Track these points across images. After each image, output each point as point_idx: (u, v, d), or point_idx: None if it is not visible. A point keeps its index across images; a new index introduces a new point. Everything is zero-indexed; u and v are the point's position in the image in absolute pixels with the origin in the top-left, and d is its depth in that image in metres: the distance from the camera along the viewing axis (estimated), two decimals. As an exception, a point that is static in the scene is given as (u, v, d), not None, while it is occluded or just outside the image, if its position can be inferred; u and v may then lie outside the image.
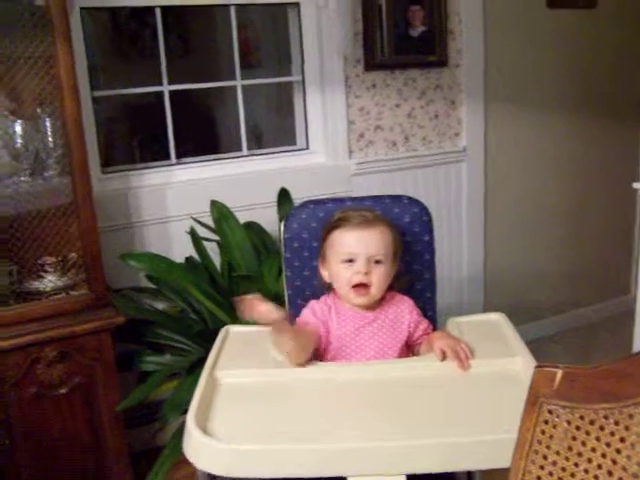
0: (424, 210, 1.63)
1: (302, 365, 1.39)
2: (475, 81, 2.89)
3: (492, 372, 1.34)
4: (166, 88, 2.48)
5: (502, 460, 1.07)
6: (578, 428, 0.76)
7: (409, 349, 1.56)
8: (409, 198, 1.64)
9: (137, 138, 3.32)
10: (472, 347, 1.42)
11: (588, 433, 0.75)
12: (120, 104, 3.28)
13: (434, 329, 1.61)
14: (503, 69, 2.94)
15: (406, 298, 1.58)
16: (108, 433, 2.08)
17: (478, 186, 2.99)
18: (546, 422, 0.78)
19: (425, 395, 1.29)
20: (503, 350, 1.42)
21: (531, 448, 0.79)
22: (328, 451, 1.12)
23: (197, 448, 1.15)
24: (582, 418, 0.75)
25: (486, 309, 3.08)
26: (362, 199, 1.66)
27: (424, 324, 1.57)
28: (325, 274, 1.55)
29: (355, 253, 1.47)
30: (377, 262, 1.48)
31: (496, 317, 1.59)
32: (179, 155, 2.57)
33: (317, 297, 1.58)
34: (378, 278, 1.48)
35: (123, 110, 3.35)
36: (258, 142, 3.25)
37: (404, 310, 1.56)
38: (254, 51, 3.49)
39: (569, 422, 0.76)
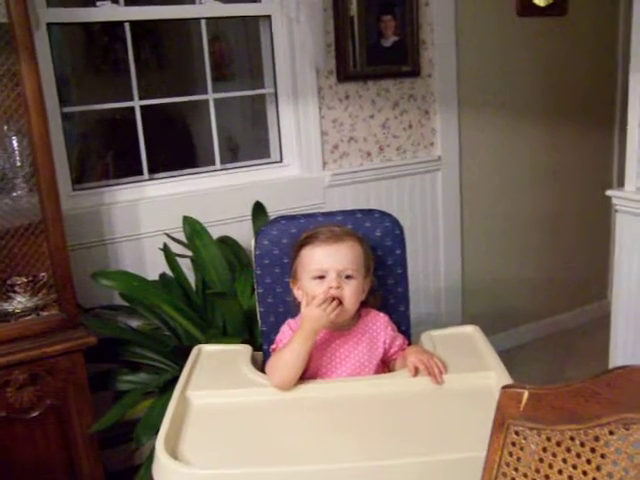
0: (395, 224, 1.62)
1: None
2: (448, 90, 2.90)
3: (465, 387, 1.33)
4: (137, 103, 2.45)
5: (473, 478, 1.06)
6: (545, 450, 0.75)
7: (385, 365, 1.55)
8: (380, 212, 1.63)
9: (110, 154, 3.28)
10: (445, 361, 1.41)
11: (555, 455, 0.74)
12: (93, 120, 3.25)
13: (409, 343, 1.60)
14: (476, 78, 2.95)
15: (381, 315, 1.57)
16: (82, 455, 2.04)
17: (454, 194, 3.00)
18: (513, 444, 0.77)
19: (399, 413, 1.28)
20: (477, 364, 1.41)
21: (499, 471, 0.78)
22: (300, 473, 1.10)
23: (165, 473, 1.13)
24: (549, 439, 0.74)
25: (464, 318, 3.08)
26: (333, 214, 1.64)
27: (399, 340, 1.56)
28: (298, 293, 1.54)
29: (325, 269, 1.46)
30: (348, 277, 1.47)
31: (470, 330, 1.58)
32: (153, 170, 2.54)
33: (290, 314, 1.57)
34: (350, 293, 1.46)
35: (96, 126, 3.32)
36: (233, 156, 3.23)
37: (379, 327, 1.55)
38: (227, 64, 3.47)
39: (536, 444, 0.74)
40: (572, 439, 0.72)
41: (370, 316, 1.55)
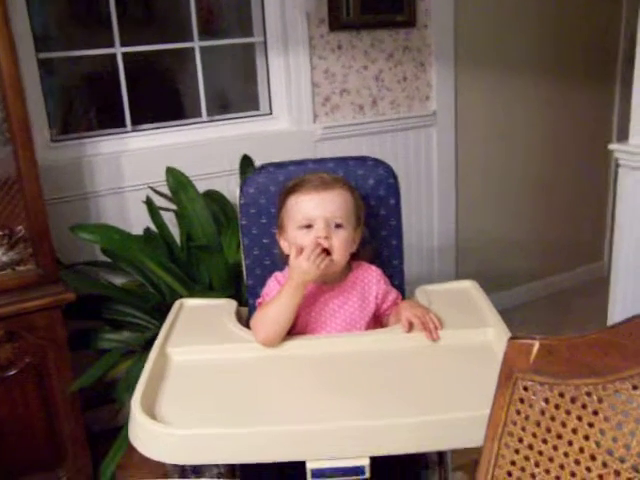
0: (389, 172, 1.53)
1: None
2: (445, 42, 2.78)
3: (463, 344, 1.26)
4: (119, 50, 2.33)
5: (474, 439, 0.99)
6: (557, 407, 0.67)
7: (377, 321, 1.47)
8: (374, 159, 1.54)
9: (93, 106, 3.16)
10: (442, 317, 1.33)
11: (568, 412, 0.66)
12: (77, 72, 3.11)
13: (403, 299, 1.51)
14: (474, 30, 2.83)
15: (373, 267, 1.48)
16: (62, 416, 1.97)
17: (449, 151, 2.90)
18: (521, 400, 0.69)
19: (392, 370, 1.20)
20: (474, 320, 1.33)
21: (505, 430, 0.70)
22: (285, 433, 1.03)
23: (143, 434, 1.05)
24: (562, 395, 0.67)
25: (457, 278, 3.01)
26: (325, 161, 1.55)
27: (393, 294, 1.48)
28: (284, 245, 1.44)
29: (312, 218, 1.36)
30: (338, 226, 1.37)
31: (467, 285, 1.50)
32: (136, 122, 2.43)
33: (277, 266, 1.48)
34: (340, 243, 1.37)
35: (80, 78, 3.18)
36: (222, 112, 3.11)
37: (371, 280, 1.46)
38: (215, 15, 3.32)
39: (547, 400, 0.67)
40: (589, 394, 0.65)
41: (361, 269, 1.46)
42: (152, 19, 3.38)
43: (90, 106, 3.21)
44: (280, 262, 1.47)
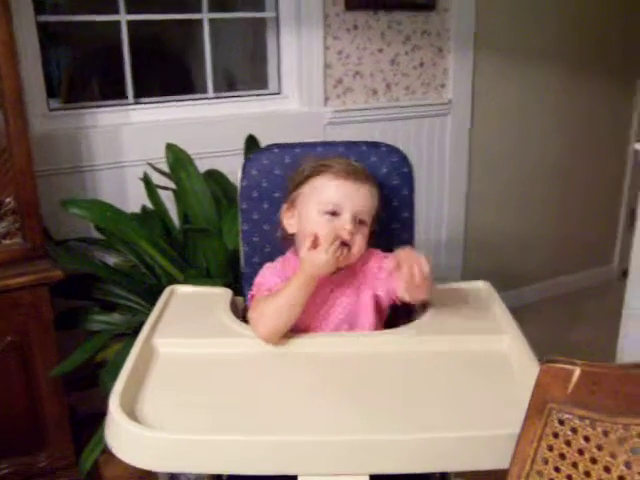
0: (404, 160, 1.42)
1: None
2: (465, 28, 2.66)
3: (475, 352, 1.14)
4: (123, 17, 2.21)
5: (486, 462, 0.89)
6: (600, 448, 0.57)
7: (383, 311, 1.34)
8: (388, 146, 1.43)
9: (97, 75, 3.05)
10: (451, 321, 1.22)
11: (614, 456, 0.56)
12: (82, 39, 3.00)
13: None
14: (495, 18, 2.70)
15: (371, 250, 1.34)
16: (46, 399, 1.88)
17: (463, 141, 2.79)
18: (555, 435, 0.59)
19: (398, 377, 1.09)
20: (488, 326, 1.22)
21: (533, 468, 0.60)
22: (278, 444, 0.92)
23: (120, 436, 0.95)
24: (606, 434, 0.56)
25: (464, 274, 2.91)
26: (335, 144, 1.44)
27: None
28: (290, 223, 1.32)
29: (341, 206, 1.25)
30: (361, 222, 1.27)
31: (481, 286, 1.39)
32: (140, 95, 2.32)
33: (278, 255, 1.37)
34: (360, 239, 1.27)
35: (84, 48, 3.06)
36: (230, 88, 3.00)
37: (372, 266, 1.32)
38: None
39: (587, 438, 0.56)
40: (640, 436, 0.54)
41: (362, 257, 1.32)
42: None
43: (94, 76, 3.10)
44: (281, 248, 1.36)
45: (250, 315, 1.25)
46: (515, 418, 0.91)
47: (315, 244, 1.22)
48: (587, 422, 0.57)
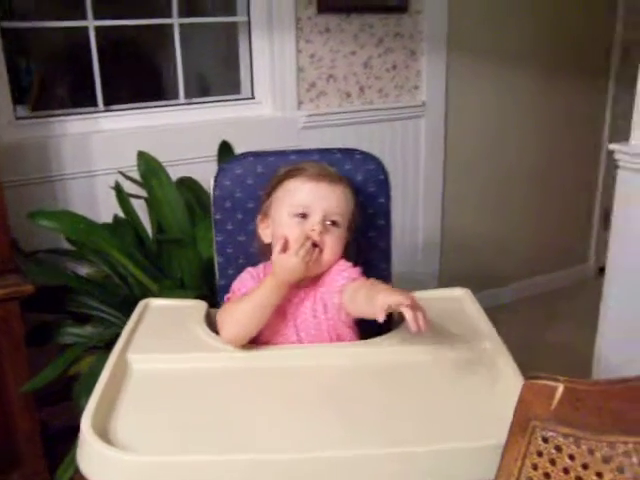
0: (380, 167, 1.40)
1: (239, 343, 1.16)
2: (437, 30, 2.66)
3: (454, 361, 1.13)
4: (91, 23, 2.17)
5: (469, 473, 0.87)
6: (585, 466, 0.55)
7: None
8: (363, 153, 1.41)
9: (66, 83, 2.99)
10: (432, 330, 1.20)
11: (600, 475, 0.54)
12: (49, 49, 2.94)
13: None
14: (467, 19, 2.70)
15: (338, 263, 1.27)
16: (17, 414, 1.82)
17: (437, 144, 2.78)
18: (539, 454, 0.58)
19: (377, 390, 1.07)
20: (468, 332, 1.21)
21: (518, 488, 0.58)
22: (256, 463, 0.90)
23: (92, 459, 0.92)
24: (591, 453, 0.55)
25: (441, 277, 2.90)
26: (309, 152, 1.42)
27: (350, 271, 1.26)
28: (266, 233, 1.30)
29: (310, 207, 1.23)
30: (333, 223, 1.24)
31: (460, 293, 1.38)
32: (110, 102, 2.28)
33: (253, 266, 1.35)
34: (332, 242, 1.23)
35: (51, 54, 3.01)
36: (202, 94, 2.96)
37: (336, 279, 1.24)
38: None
39: (572, 457, 0.55)
40: (627, 455, 0.53)
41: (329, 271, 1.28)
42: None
43: (64, 83, 3.05)
44: (256, 262, 1.33)
45: (218, 316, 1.22)
46: (497, 429, 0.89)
47: (285, 247, 1.20)
48: (571, 440, 0.56)
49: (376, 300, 1.05)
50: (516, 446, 0.59)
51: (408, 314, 1.01)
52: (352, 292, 1.18)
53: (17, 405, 1.81)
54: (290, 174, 1.28)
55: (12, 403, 1.81)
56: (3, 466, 1.85)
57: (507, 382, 1.03)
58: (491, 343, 1.16)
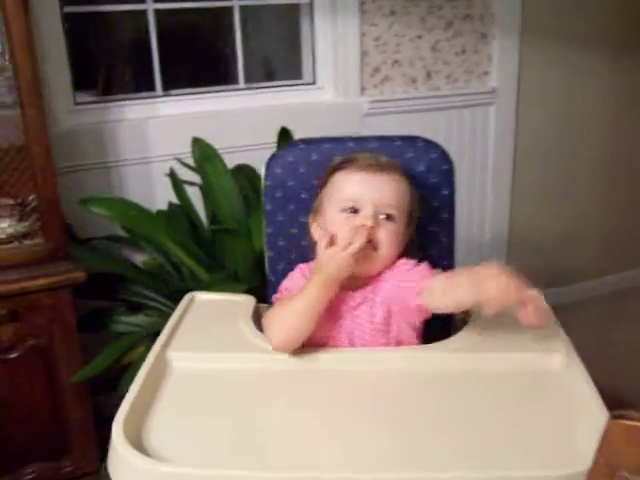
0: (444, 156, 1.30)
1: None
2: (511, 12, 2.51)
3: (521, 372, 1.02)
4: (150, 6, 2.14)
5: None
6: (686, 531, 0.45)
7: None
8: (425, 140, 1.31)
9: (127, 68, 2.98)
10: (496, 336, 1.10)
11: None
12: (110, 30, 2.93)
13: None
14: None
15: (399, 263, 1.17)
16: (70, 403, 1.81)
17: (508, 133, 2.63)
18: (627, 509, 0.48)
19: (431, 401, 0.97)
20: (537, 343, 1.09)
21: None
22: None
23: (123, 468, 0.85)
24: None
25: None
26: (367, 139, 1.33)
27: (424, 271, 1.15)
28: (317, 232, 1.20)
29: (360, 200, 1.13)
30: (388, 217, 1.14)
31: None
32: (168, 87, 2.24)
33: (305, 261, 1.26)
34: (388, 237, 1.13)
35: (111, 37, 3.00)
36: (262, 79, 2.90)
37: (404, 283, 1.13)
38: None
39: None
40: None
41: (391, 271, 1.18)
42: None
43: (125, 69, 3.04)
44: (308, 256, 1.25)
45: (264, 320, 1.14)
46: (567, 455, 0.79)
47: (332, 242, 1.10)
48: (669, 497, 0.46)
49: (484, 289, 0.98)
50: (597, 496, 0.49)
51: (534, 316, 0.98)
52: (442, 285, 1.04)
53: (70, 392, 1.80)
54: (340, 166, 1.19)
55: (65, 390, 1.79)
56: (54, 452, 1.84)
57: (579, 398, 0.93)
58: (563, 353, 1.05)
